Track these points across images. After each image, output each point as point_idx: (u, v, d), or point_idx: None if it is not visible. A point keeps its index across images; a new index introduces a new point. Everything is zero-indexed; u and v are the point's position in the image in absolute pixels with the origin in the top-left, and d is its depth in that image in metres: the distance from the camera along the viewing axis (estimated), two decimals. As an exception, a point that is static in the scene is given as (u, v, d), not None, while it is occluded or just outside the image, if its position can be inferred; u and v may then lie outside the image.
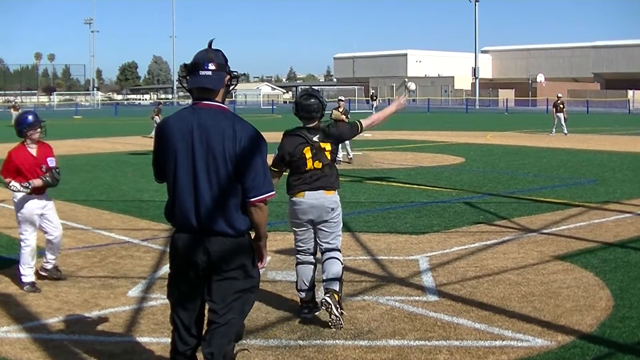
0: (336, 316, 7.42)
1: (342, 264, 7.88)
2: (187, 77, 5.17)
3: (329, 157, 7.78)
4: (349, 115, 25.97)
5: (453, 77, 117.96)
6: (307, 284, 7.92)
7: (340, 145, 25.09)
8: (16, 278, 9.50)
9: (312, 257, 7.99)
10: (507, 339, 7.20)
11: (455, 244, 11.50)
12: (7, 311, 8.24)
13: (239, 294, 5.15)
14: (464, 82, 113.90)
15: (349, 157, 25.24)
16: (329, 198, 7.74)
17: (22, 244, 9.46)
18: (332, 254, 7.84)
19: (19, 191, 9.19)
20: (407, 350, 6.91)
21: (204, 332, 5.26)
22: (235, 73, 5.25)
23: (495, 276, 9.58)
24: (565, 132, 39.92)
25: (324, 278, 7.78)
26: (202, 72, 5.06)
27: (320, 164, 7.71)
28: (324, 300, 7.49)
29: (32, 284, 9.27)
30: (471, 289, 8.98)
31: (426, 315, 7.95)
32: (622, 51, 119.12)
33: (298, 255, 8.01)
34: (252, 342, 7.14)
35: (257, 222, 5.14)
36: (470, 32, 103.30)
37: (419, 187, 18.63)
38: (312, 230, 7.90)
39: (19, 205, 9.43)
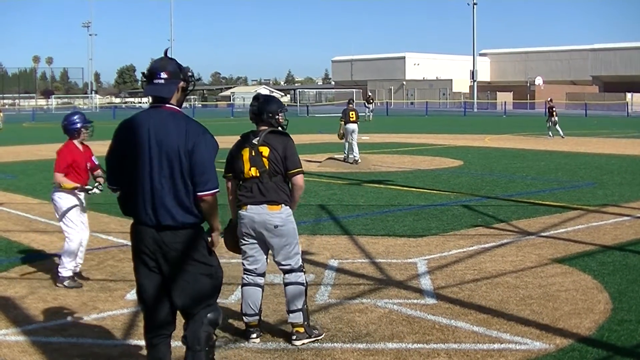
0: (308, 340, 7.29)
1: (304, 285, 7.36)
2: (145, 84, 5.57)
3: (266, 165, 7.17)
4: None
5: (451, 80, 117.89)
6: (254, 309, 7.36)
7: (348, 145, 25.52)
8: (14, 281, 9.51)
9: (259, 278, 7.44)
10: (505, 342, 7.20)
11: (454, 247, 11.50)
12: (5, 314, 8.23)
13: (201, 283, 5.48)
14: (462, 85, 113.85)
15: (355, 158, 25.32)
16: (272, 214, 7.17)
17: (69, 238, 9.68)
18: (291, 277, 7.32)
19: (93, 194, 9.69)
20: (405, 353, 6.91)
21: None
22: (192, 77, 5.61)
23: (493, 279, 9.58)
24: (556, 134, 40.23)
25: (286, 309, 7.39)
26: (156, 81, 5.46)
27: (258, 171, 7.18)
28: (293, 340, 7.23)
29: (72, 277, 9.49)
30: (469, 292, 8.98)
31: (424, 318, 7.95)
32: (620, 54, 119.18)
33: (244, 276, 7.46)
34: (250, 345, 7.15)
35: (207, 215, 5.51)
36: (468, 35, 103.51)
37: (417, 190, 18.64)
38: (261, 250, 7.38)
39: (64, 199, 9.68)
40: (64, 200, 9.64)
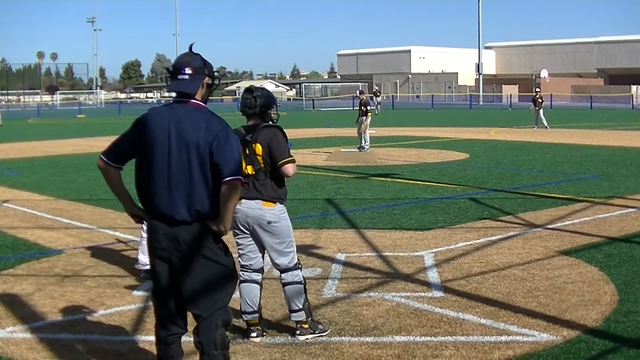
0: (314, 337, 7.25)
1: (301, 282, 7.29)
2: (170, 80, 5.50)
3: (261, 163, 7.04)
4: (369, 107, 27.39)
5: (457, 73, 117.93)
6: (252, 306, 7.26)
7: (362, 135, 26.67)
8: (20, 278, 9.54)
9: (256, 274, 7.35)
10: (513, 334, 7.21)
11: (460, 240, 11.50)
12: (12, 311, 8.25)
13: (214, 285, 5.38)
14: (467, 78, 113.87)
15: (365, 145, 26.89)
16: (267, 210, 7.05)
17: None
18: (287, 276, 7.27)
19: None
20: (413, 346, 6.91)
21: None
22: (217, 74, 5.56)
23: (500, 272, 9.58)
24: (546, 125, 41.92)
25: (288, 309, 7.38)
26: (180, 77, 5.40)
27: (253, 169, 7.04)
28: (297, 334, 7.22)
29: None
30: (476, 285, 8.98)
31: (432, 311, 7.95)
32: (625, 47, 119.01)
33: (241, 272, 7.27)
34: (258, 339, 7.16)
35: (227, 203, 5.23)
36: (473, 28, 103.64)
37: (424, 183, 18.63)
38: (256, 246, 7.28)
39: None
40: None
